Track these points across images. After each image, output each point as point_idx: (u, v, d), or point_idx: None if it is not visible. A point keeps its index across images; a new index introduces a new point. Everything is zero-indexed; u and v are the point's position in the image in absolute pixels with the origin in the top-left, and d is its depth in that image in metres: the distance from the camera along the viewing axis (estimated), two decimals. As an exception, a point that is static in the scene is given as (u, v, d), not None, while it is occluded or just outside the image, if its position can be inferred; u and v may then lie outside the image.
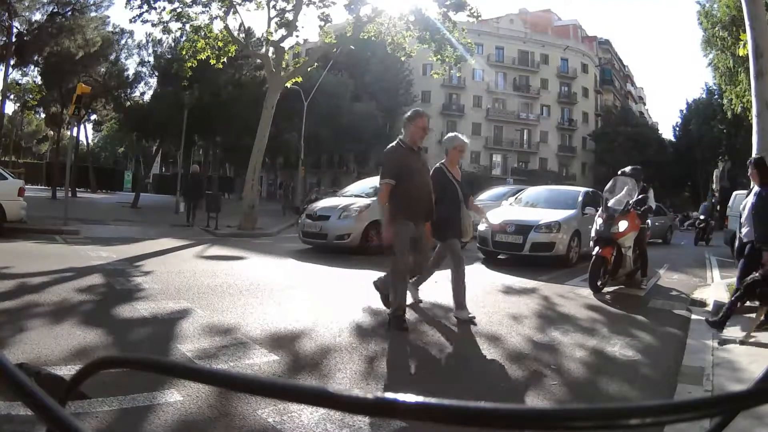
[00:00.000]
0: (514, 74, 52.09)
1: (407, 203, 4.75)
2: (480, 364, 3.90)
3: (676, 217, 23.25)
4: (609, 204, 7.38)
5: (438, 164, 5.55)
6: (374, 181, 9.77)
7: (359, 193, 10.99)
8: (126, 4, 14.24)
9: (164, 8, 14.30)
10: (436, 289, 6.38)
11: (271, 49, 15.31)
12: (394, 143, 4.98)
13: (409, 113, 5.09)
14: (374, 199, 9.44)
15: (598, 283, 6.94)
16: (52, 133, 38.21)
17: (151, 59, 27.58)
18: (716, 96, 34.71)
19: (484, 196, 15.51)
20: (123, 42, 27.51)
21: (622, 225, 7.11)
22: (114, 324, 4.36)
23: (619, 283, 7.64)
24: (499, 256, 9.78)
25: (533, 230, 9.11)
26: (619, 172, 7.93)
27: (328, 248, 9.91)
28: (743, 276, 5.23)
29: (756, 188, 5.51)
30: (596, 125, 53.97)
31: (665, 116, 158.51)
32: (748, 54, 7.09)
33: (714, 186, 29.54)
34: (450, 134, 5.74)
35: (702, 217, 18.80)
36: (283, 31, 15.00)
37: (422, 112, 5.08)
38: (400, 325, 4.65)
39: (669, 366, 4.05)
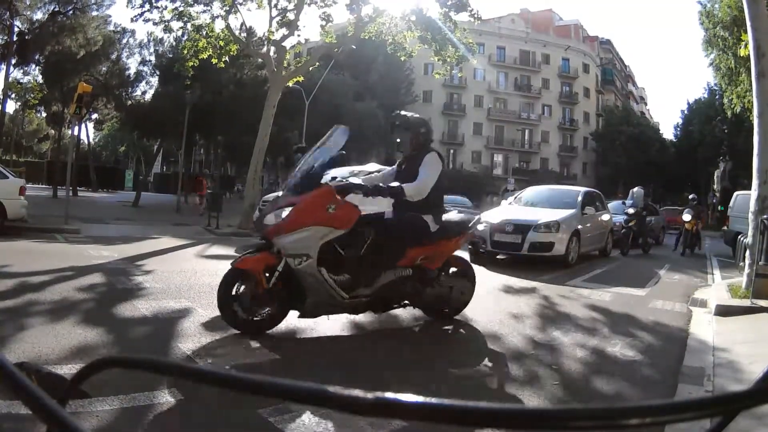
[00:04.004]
0: (516, 74, 52.08)
1: None
2: (480, 364, 3.90)
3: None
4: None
5: None
6: None
7: None
8: (127, 3, 14.25)
9: (166, 7, 14.28)
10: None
11: (273, 48, 15.30)
12: None
13: None
14: None
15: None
16: (53, 132, 38.24)
17: (153, 58, 27.60)
18: (717, 96, 34.64)
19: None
20: (124, 41, 27.54)
21: None
22: (115, 323, 4.36)
23: None
24: (498, 256, 9.78)
25: (532, 230, 9.09)
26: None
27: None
28: None
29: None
30: (597, 125, 53.93)
31: (666, 116, 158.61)
32: (749, 54, 7.08)
33: (715, 186, 29.49)
34: None
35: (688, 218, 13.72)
36: (284, 31, 14.99)
37: None
38: None
39: (669, 366, 4.05)
